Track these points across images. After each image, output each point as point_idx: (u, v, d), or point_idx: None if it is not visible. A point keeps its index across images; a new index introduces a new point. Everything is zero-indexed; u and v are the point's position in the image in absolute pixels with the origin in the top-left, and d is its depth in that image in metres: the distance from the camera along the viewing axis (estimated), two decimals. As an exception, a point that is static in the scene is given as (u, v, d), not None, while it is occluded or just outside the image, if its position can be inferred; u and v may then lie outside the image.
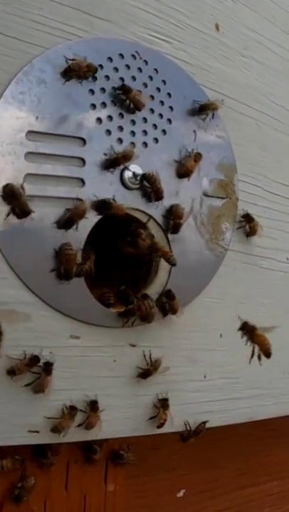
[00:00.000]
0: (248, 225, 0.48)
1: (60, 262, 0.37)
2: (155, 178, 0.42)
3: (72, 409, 0.38)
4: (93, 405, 0.39)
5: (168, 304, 0.42)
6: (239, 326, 0.47)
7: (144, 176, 0.42)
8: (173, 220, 0.43)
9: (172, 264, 0.42)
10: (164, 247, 0.42)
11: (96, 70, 0.40)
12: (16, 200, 0.36)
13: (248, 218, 0.48)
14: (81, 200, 0.39)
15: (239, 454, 0.59)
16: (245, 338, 0.47)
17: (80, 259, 0.38)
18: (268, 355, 0.47)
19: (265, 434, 0.60)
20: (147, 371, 0.41)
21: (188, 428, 0.44)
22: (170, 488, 0.53)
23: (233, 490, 0.59)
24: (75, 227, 0.38)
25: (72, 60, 0.39)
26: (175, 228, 0.43)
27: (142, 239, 0.41)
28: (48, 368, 0.37)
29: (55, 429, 0.37)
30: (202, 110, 0.45)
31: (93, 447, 0.42)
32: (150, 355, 0.42)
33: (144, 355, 0.42)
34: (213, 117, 0.46)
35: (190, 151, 0.44)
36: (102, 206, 0.39)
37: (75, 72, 0.39)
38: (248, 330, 0.47)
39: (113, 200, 0.40)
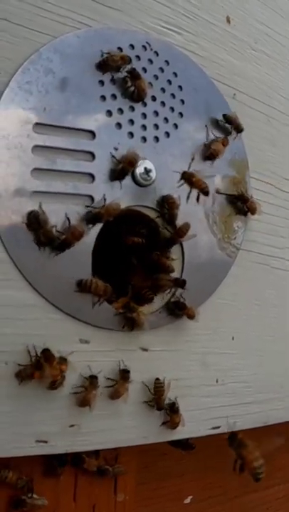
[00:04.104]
0: (244, 206, 0.45)
1: (97, 294, 0.37)
2: (174, 202, 0.40)
3: (93, 378, 0.36)
4: (124, 374, 0.38)
5: (183, 313, 0.41)
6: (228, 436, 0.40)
7: (164, 197, 0.40)
8: (172, 233, 0.41)
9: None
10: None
11: (130, 61, 0.39)
12: (42, 228, 0.34)
13: (243, 198, 0.45)
14: (91, 204, 0.37)
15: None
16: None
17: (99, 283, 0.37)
18: (256, 480, 0.38)
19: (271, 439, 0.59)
20: (158, 403, 0.39)
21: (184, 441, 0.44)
22: (178, 495, 0.51)
23: (240, 495, 0.57)
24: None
25: (108, 53, 0.38)
26: (171, 242, 0.41)
27: None
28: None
29: (83, 403, 0.36)
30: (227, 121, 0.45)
31: (79, 456, 0.39)
32: (152, 387, 0.39)
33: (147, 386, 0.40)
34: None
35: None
36: (93, 219, 0.37)
37: (110, 66, 0.38)
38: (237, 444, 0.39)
39: (105, 198, 0.38)
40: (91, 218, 0.37)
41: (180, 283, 0.40)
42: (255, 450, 0.38)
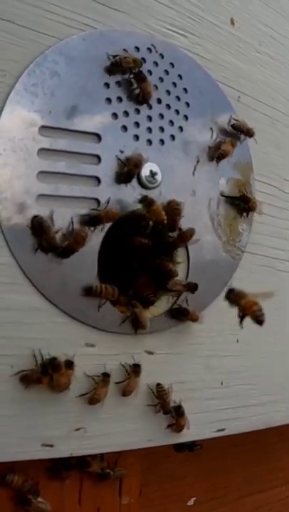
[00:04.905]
0: (246, 206, 0.45)
1: (106, 298, 0.37)
2: (179, 210, 0.40)
3: (106, 376, 0.36)
4: (135, 368, 0.38)
5: (187, 319, 0.41)
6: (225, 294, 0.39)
7: (168, 203, 0.40)
8: (174, 238, 0.40)
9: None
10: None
11: (141, 64, 0.39)
12: (45, 234, 0.34)
13: (244, 199, 0.45)
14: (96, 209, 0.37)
15: (248, 460, 0.57)
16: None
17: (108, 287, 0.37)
18: (259, 322, 0.38)
19: (273, 439, 0.59)
20: (163, 407, 0.39)
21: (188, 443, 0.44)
22: (181, 497, 0.51)
23: (242, 496, 0.58)
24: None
25: (115, 55, 0.38)
26: (172, 246, 0.41)
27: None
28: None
29: (93, 401, 0.36)
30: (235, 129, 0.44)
31: (85, 460, 0.39)
32: (155, 389, 0.39)
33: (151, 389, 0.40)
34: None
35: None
36: (93, 221, 0.37)
37: (123, 67, 0.38)
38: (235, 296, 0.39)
39: (107, 202, 0.37)
40: (90, 221, 0.37)
41: (192, 287, 0.40)
42: (254, 297, 0.38)
